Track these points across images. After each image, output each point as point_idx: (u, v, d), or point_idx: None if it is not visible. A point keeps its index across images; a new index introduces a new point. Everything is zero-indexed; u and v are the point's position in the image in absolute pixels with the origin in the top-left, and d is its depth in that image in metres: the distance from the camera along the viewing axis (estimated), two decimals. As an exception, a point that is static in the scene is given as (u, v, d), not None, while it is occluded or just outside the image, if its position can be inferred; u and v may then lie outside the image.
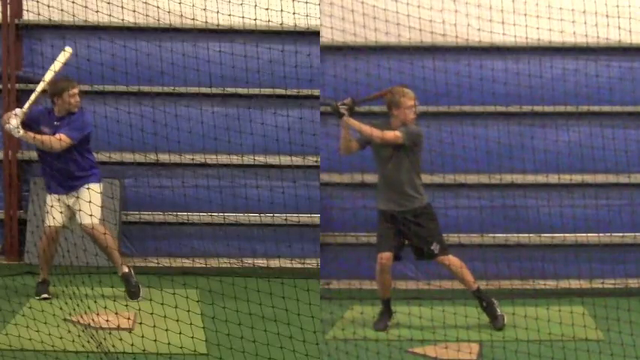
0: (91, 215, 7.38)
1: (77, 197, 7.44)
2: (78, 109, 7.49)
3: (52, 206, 7.43)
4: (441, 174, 8.41)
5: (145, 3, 7.86)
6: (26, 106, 7.31)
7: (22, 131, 7.26)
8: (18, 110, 7.30)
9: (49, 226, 7.48)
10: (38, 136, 7.34)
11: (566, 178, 8.53)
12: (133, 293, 7.56)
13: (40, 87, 7.33)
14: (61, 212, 7.48)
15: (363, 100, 7.29)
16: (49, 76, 7.35)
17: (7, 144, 8.89)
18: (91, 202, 7.39)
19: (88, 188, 7.48)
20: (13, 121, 7.24)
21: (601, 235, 8.58)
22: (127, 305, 6.79)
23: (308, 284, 6.31)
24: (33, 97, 7.30)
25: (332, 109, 7.09)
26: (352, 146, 7.20)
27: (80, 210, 7.43)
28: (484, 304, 7.12)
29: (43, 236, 7.55)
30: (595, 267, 8.50)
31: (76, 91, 7.46)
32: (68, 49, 7.45)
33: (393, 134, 7.02)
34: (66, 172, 7.46)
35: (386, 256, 7.09)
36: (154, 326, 6.23)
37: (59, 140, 7.32)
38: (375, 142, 7.08)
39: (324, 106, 8.61)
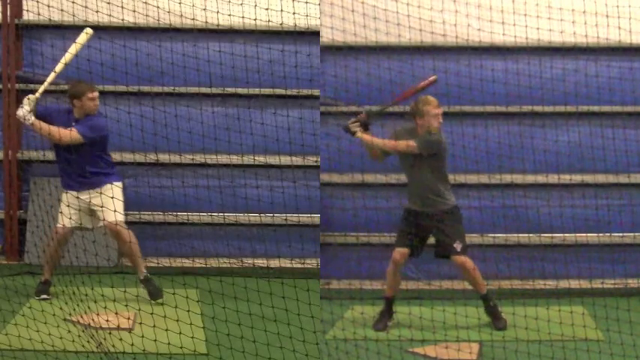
0: (114, 212, 7.34)
1: (100, 194, 7.37)
2: (97, 113, 7.50)
3: (67, 205, 7.38)
4: (441, 174, 8.41)
5: (145, 3, 7.87)
6: (40, 90, 7.27)
7: (32, 118, 7.24)
8: (31, 96, 7.28)
9: (62, 227, 7.46)
10: (45, 126, 7.28)
11: (566, 178, 8.53)
12: (156, 293, 7.49)
13: (58, 68, 7.30)
14: (78, 210, 7.45)
15: (381, 111, 7.28)
16: (68, 57, 7.33)
17: (7, 144, 8.90)
18: (114, 199, 7.33)
19: (112, 185, 7.48)
20: (26, 107, 7.22)
21: (601, 235, 8.58)
22: (127, 305, 6.79)
23: (308, 284, 6.31)
24: (49, 79, 7.28)
25: (344, 130, 7.12)
26: (378, 155, 7.27)
27: (103, 207, 7.36)
28: (491, 305, 7.15)
29: (53, 236, 7.51)
30: (595, 267, 8.51)
31: (95, 94, 7.45)
32: (89, 30, 7.43)
33: (405, 144, 7.05)
34: (82, 170, 7.42)
35: (401, 251, 7.12)
36: (154, 326, 6.23)
37: (69, 134, 7.30)
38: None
39: (328, 106, 8.63)
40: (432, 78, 7.23)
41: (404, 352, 6.57)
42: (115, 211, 7.33)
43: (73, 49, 7.37)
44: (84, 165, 7.42)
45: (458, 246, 7.10)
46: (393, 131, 7.27)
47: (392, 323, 7.19)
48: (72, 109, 7.49)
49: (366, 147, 7.23)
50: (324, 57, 8.72)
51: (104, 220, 7.44)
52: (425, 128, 7.06)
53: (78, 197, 7.46)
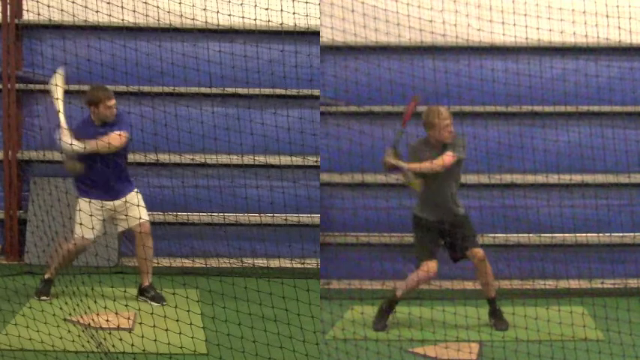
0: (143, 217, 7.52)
1: (128, 201, 7.43)
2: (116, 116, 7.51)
3: (90, 215, 7.31)
4: (441, 174, 8.40)
5: (145, 3, 7.86)
6: (62, 120, 7.25)
7: (80, 144, 7.20)
8: (62, 128, 7.22)
9: (82, 238, 7.42)
10: (93, 142, 7.26)
11: (566, 178, 8.53)
12: (159, 298, 7.52)
13: (62, 122, 7.28)
14: (102, 220, 7.44)
15: (398, 140, 7.21)
16: (59, 105, 7.31)
17: (7, 144, 8.90)
18: (141, 205, 7.53)
19: (136, 192, 7.58)
20: (67, 138, 7.17)
21: (601, 235, 8.58)
22: (127, 305, 6.79)
23: (308, 284, 6.30)
24: (61, 117, 7.27)
25: (389, 169, 7.07)
26: (418, 183, 7.15)
27: (140, 214, 7.48)
28: (498, 308, 7.17)
29: (71, 245, 7.44)
30: (595, 267, 8.51)
31: (112, 102, 7.42)
32: (60, 72, 7.40)
33: (450, 158, 7.00)
34: (109, 179, 7.41)
35: (433, 264, 7.09)
36: (154, 326, 6.23)
37: (119, 136, 7.32)
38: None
39: (328, 106, 8.64)
40: (412, 103, 7.16)
41: (404, 352, 6.57)
42: (142, 217, 7.49)
43: (58, 94, 7.33)
44: (112, 174, 7.40)
45: (478, 241, 7.16)
46: (410, 148, 7.18)
47: (392, 322, 7.18)
48: (89, 115, 7.48)
49: (411, 177, 7.06)
50: (324, 57, 8.73)
51: (140, 220, 7.48)
52: (436, 140, 7.06)
53: (103, 206, 7.43)
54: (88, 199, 7.44)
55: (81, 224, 7.38)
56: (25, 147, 9.00)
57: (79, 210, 7.45)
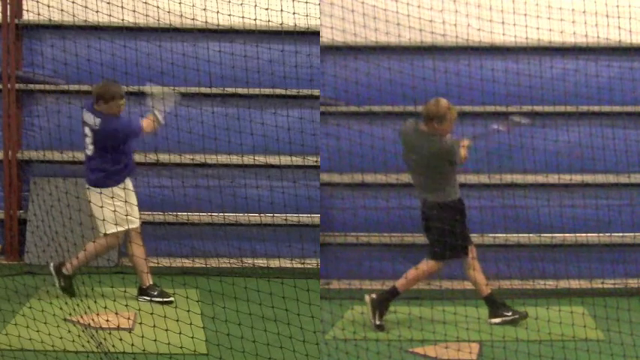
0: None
1: (128, 200, 7.43)
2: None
3: (135, 204, 7.39)
4: (441, 174, 8.39)
5: (145, 3, 7.86)
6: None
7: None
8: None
9: (130, 229, 7.51)
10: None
11: (566, 178, 8.53)
12: (165, 294, 7.53)
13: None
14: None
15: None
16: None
17: (7, 144, 8.90)
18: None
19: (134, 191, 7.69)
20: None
21: (601, 235, 8.58)
22: (127, 305, 6.79)
23: (308, 284, 6.31)
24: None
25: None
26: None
27: (137, 213, 7.57)
28: (499, 302, 7.20)
29: (114, 240, 7.51)
30: (595, 267, 8.51)
31: (123, 101, 7.51)
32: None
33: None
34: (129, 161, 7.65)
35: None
36: (154, 326, 6.24)
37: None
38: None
39: (328, 106, 8.64)
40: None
41: (404, 352, 6.57)
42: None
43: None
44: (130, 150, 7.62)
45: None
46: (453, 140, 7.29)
47: (393, 321, 7.18)
48: (91, 103, 7.47)
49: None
50: (324, 57, 8.72)
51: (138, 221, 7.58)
52: (439, 133, 7.09)
53: (125, 188, 7.46)
54: (122, 186, 7.46)
55: (127, 216, 7.36)
56: (25, 147, 9.00)
57: (121, 200, 7.38)
